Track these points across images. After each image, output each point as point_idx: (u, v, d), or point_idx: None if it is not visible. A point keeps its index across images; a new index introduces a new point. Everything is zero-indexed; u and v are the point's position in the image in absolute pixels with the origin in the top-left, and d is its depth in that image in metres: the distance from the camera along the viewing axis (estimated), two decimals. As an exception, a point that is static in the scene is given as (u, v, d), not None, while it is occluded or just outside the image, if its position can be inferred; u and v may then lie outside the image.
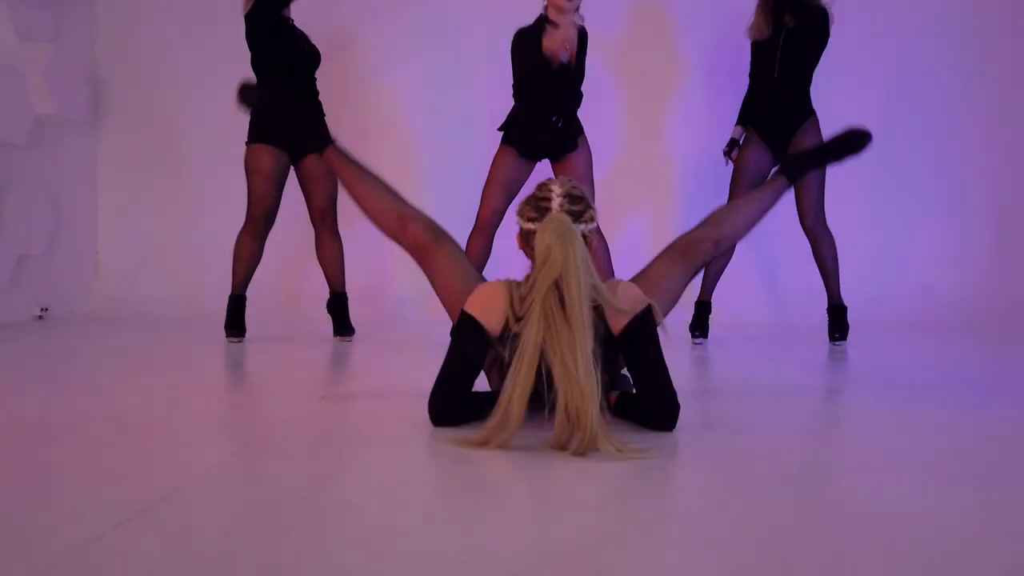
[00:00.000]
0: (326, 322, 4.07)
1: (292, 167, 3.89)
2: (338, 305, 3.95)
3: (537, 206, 1.95)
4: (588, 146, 3.77)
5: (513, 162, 3.73)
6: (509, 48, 3.70)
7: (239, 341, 3.82)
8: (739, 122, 4.02)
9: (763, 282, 5.26)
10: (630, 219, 5.09)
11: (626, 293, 1.98)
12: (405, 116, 5.43)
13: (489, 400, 2.05)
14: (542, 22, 3.59)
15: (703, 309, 4.00)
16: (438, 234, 2.28)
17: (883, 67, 5.26)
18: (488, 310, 1.96)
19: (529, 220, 1.95)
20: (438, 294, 2.27)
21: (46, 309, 4.99)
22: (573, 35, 3.53)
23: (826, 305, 4.00)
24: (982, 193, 5.26)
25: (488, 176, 3.76)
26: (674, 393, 1.96)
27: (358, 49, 5.42)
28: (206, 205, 5.46)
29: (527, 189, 2.77)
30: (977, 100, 5.22)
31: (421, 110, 5.40)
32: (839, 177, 5.07)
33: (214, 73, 5.35)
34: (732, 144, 3.99)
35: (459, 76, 5.32)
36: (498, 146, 3.79)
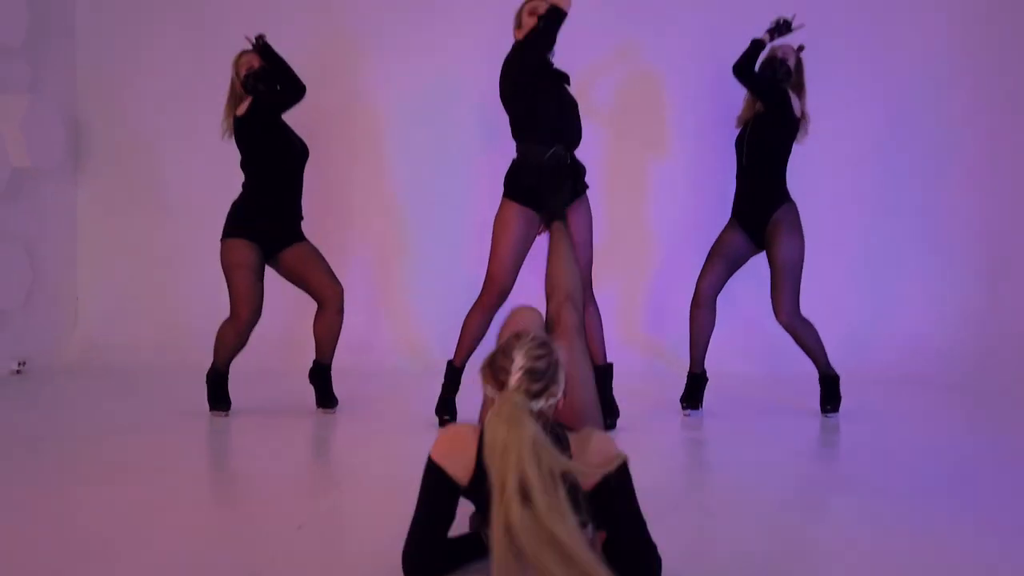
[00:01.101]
0: (307, 387, 3.97)
1: (269, 264, 3.80)
2: (321, 376, 3.85)
3: (496, 376, 1.76)
4: (589, 206, 3.62)
5: (520, 219, 3.50)
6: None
7: (224, 415, 3.73)
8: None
9: (754, 331, 5.20)
10: (607, 286, 4.99)
11: (599, 448, 1.83)
12: (396, 182, 5.37)
13: (469, 546, 1.96)
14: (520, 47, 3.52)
15: (696, 381, 3.91)
16: None
17: (872, 120, 5.22)
18: (455, 457, 1.82)
19: (487, 384, 1.79)
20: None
21: (24, 363, 4.89)
22: None
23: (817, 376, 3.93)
24: (970, 246, 5.23)
25: (494, 242, 3.54)
26: (654, 547, 1.84)
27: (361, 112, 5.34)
28: (187, 252, 5.37)
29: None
30: (964, 152, 5.19)
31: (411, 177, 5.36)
32: (828, 227, 5.11)
33: (195, 120, 5.30)
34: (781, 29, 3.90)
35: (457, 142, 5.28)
36: (500, 202, 3.57)
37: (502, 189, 3.58)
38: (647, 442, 3.34)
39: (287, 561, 2.05)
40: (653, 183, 5.30)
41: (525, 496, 1.57)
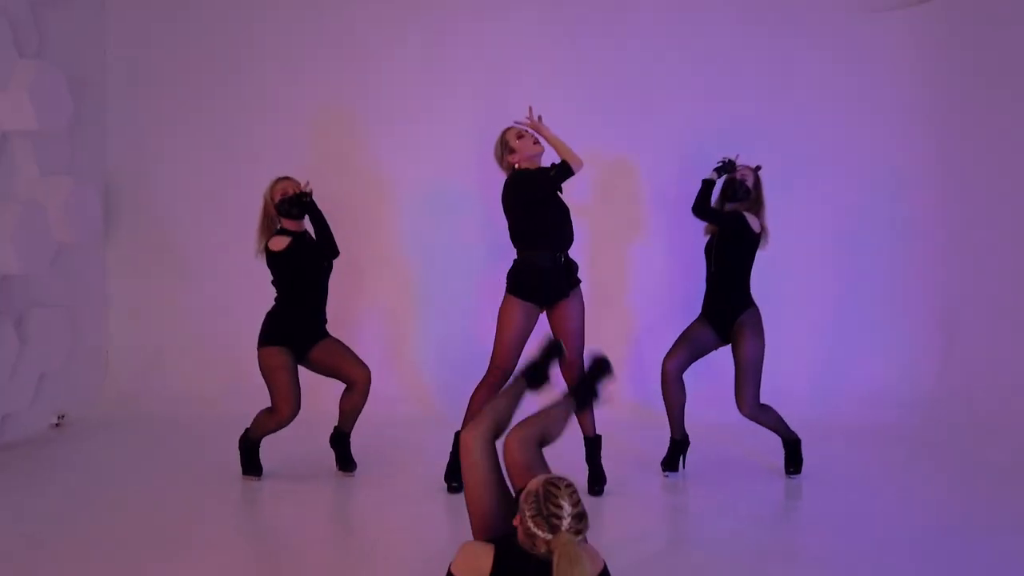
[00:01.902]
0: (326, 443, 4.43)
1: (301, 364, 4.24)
2: (341, 443, 4.31)
3: (549, 521, 2.16)
4: (581, 297, 4.11)
5: (522, 312, 3.99)
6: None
7: (257, 479, 4.19)
8: None
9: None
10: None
11: (592, 554, 2.30)
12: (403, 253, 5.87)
13: None
14: (516, 173, 4.01)
15: (675, 446, 4.37)
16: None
17: (833, 179, 5.74)
18: (472, 574, 2.24)
19: (537, 527, 2.17)
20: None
21: (63, 416, 5.34)
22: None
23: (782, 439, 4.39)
24: (925, 308, 5.71)
25: (499, 332, 4.01)
26: None
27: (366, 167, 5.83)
28: (206, 311, 5.88)
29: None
30: (921, 223, 5.69)
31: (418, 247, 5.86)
32: (798, 290, 5.64)
33: (212, 193, 5.87)
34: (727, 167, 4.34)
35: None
36: (504, 298, 4.04)
37: (505, 285, 4.08)
38: (623, 506, 3.84)
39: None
40: (634, 262, 5.83)
41: None
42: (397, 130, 5.80)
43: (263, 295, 5.65)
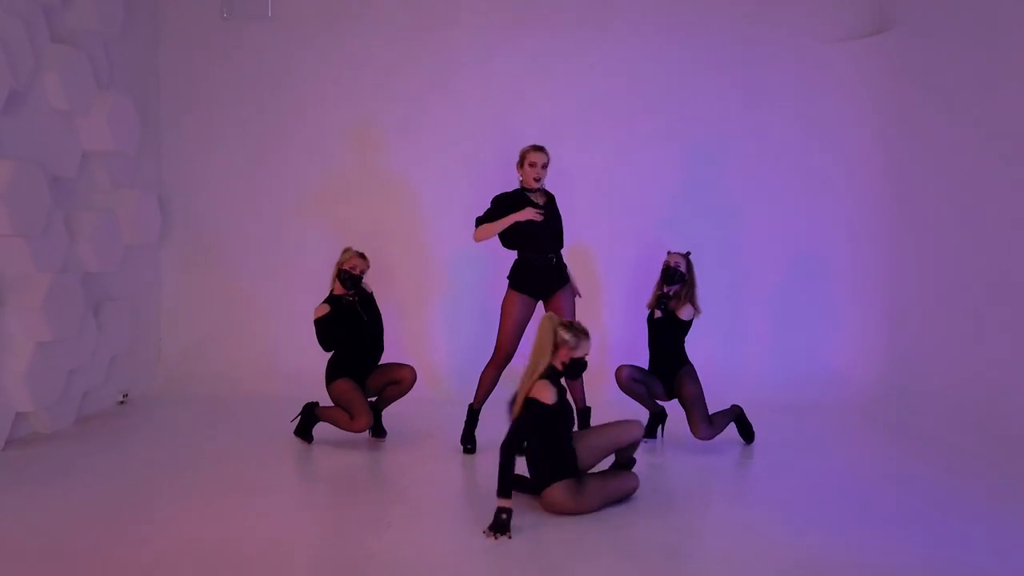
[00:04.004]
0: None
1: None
2: (375, 414, 5.14)
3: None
4: (572, 292, 4.95)
5: (522, 303, 4.82)
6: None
7: (307, 444, 5.02)
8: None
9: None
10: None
11: None
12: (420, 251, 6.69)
13: None
14: (520, 191, 4.82)
15: (654, 419, 5.21)
16: None
17: (792, 187, 6.56)
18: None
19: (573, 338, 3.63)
20: None
21: (126, 395, 6.16)
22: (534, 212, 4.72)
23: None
24: (877, 294, 6.48)
25: (502, 320, 4.83)
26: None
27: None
28: (248, 303, 6.71)
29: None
30: (872, 214, 6.47)
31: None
32: (765, 283, 6.47)
33: (254, 198, 6.69)
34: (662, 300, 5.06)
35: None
36: (506, 292, 4.87)
37: (507, 281, 4.92)
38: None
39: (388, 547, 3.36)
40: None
41: None
42: (413, 140, 6.64)
43: (293, 291, 6.53)
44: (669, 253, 5.11)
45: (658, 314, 5.04)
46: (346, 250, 5.03)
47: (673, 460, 4.86)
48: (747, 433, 5.14)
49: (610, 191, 6.59)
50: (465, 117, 6.61)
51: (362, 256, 5.01)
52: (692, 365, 5.06)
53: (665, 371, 5.05)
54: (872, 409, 6.02)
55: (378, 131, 6.66)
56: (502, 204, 4.78)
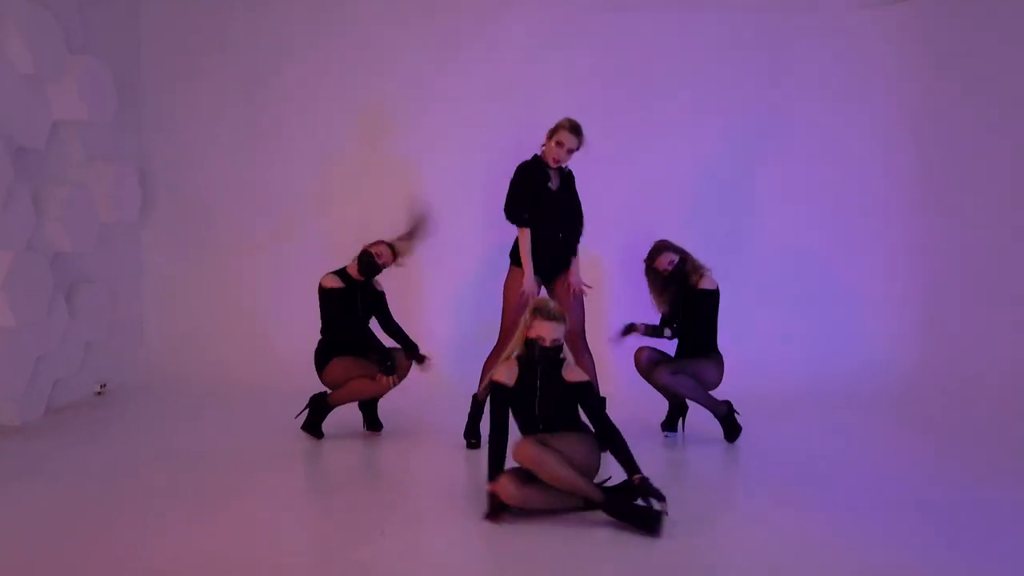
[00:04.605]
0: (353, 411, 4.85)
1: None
2: (370, 406, 4.73)
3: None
4: (577, 274, 4.53)
5: (527, 284, 4.37)
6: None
7: (318, 439, 4.58)
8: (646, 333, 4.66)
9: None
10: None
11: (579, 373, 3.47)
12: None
13: None
14: (539, 161, 4.40)
15: (675, 410, 4.77)
16: None
17: (824, 164, 6.12)
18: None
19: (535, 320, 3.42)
20: None
21: (104, 385, 5.75)
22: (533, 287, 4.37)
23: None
24: (912, 278, 6.08)
25: (505, 302, 4.43)
26: None
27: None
28: (235, 288, 6.29)
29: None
30: (909, 193, 6.07)
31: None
32: (789, 259, 6.06)
33: (243, 176, 6.26)
34: (629, 329, 4.62)
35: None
36: (508, 270, 4.46)
37: (508, 260, 4.52)
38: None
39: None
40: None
41: None
42: (416, 115, 6.18)
43: (286, 273, 6.11)
44: (659, 249, 4.65)
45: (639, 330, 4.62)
46: (380, 242, 4.65)
47: (695, 456, 4.45)
48: (731, 432, 4.64)
49: (631, 171, 6.16)
50: (474, 95, 6.17)
51: (393, 249, 4.63)
52: (720, 355, 4.62)
53: (689, 357, 4.63)
54: (906, 402, 5.60)
55: (380, 104, 6.21)
56: (524, 185, 4.41)
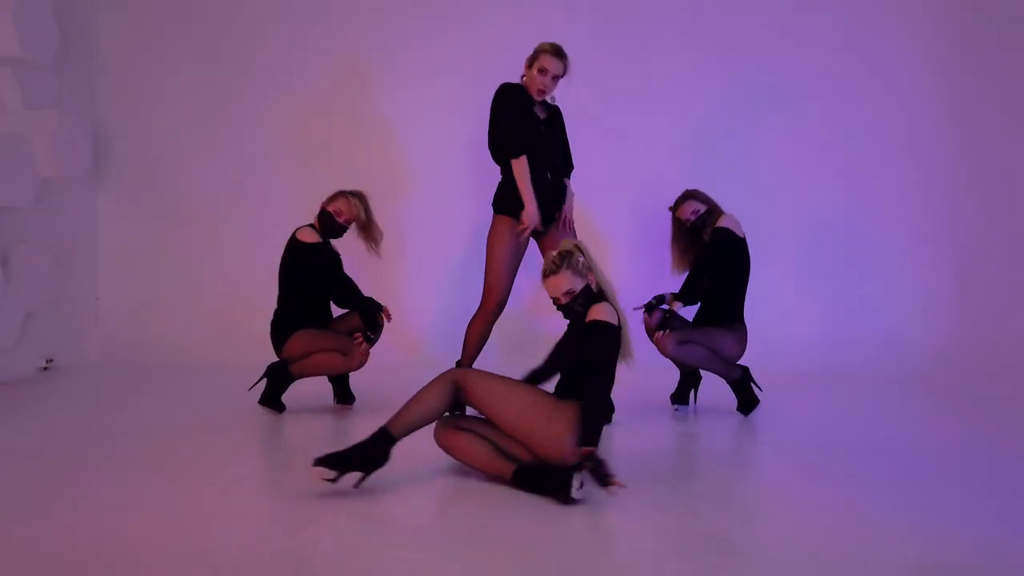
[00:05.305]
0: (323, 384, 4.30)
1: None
2: (341, 377, 4.18)
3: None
4: (572, 203, 3.99)
5: (512, 231, 3.79)
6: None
7: (278, 413, 4.04)
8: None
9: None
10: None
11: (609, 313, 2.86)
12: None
13: None
14: (526, 95, 3.83)
15: (686, 380, 4.23)
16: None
17: (850, 134, 5.63)
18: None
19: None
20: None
21: (51, 360, 5.18)
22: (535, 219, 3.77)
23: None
24: (942, 252, 5.62)
25: (489, 256, 3.82)
26: None
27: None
28: (200, 256, 5.71)
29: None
30: (937, 174, 5.61)
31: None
32: (817, 239, 5.51)
33: (207, 132, 5.66)
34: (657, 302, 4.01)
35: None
36: (492, 219, 3.86)
37: (491, 209, 3.92)
38: (638, 432, 3.70)
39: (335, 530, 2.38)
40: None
41: None
42: (396, 63, 5.68)
43: (255, 239, 5.55)
44: (685, 197, 4.07)
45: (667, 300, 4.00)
46: (339, 195, 4.06)
47: (707, 429, 3.90)
48: (747, 402, 4.07)
49: (633, 129, 5.64)
50: (459, 43, 5.65)
51: (350, 200, 4.02)
52: (744, 327, 4.00)
53: (709, 322, 4.05)
54: (934, 379, 5.10)
55: (356, 52, 5.68)
56: (513, 109, 3.79)
